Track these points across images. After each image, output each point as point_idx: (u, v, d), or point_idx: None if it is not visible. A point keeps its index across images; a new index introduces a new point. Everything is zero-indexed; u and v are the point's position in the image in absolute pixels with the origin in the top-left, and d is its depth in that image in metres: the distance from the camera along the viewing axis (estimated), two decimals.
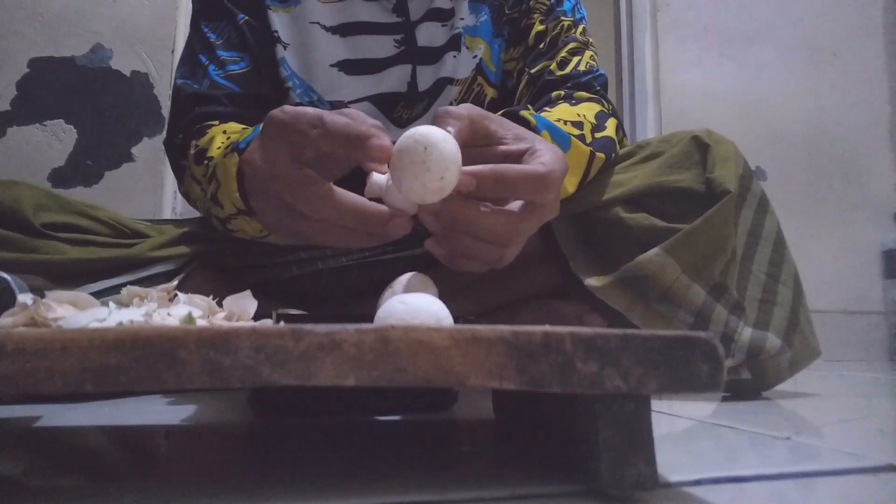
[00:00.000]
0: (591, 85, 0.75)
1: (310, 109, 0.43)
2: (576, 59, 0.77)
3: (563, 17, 0.79)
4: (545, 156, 0.45)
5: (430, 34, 0.79)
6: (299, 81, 0.77)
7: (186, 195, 0.71)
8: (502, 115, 0.59)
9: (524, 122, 0.58)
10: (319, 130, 0.41)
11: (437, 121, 0.44)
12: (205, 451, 0.45)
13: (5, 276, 0.50)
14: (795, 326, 0.70)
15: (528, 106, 0.61)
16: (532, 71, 0.78)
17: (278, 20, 0.77)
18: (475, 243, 0.43)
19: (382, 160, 0.40)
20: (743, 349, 0.66)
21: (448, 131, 0.42)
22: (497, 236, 0.43)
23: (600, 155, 0.65)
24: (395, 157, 0.39)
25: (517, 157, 0.46)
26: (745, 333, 0.66)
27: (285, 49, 0.77)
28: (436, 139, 0.38)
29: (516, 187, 0.42)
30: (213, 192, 0.59)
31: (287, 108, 0.44)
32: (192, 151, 0.65)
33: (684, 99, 1.99)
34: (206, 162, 0.61)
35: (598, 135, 0.65)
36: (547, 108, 0.67)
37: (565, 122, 0.62)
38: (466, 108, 0.46)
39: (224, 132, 0.64)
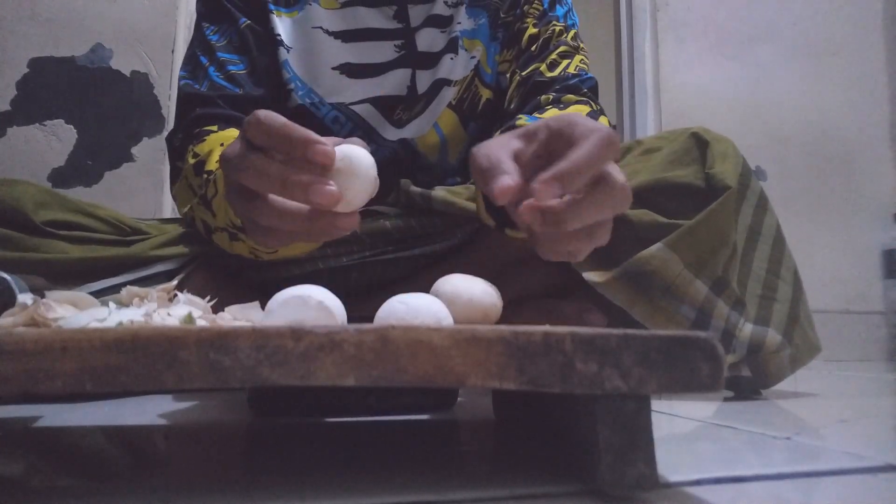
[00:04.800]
0: (578, 88, 0.75)
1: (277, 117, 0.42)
2: (565, 62, 0.78)
3: (555, 22, 0.80)
4: (587, 124, 0.41)
5: (429, 40, 0.80)
6: (301, 84, 0.78)
7: (175, 197, 0.72)
8: (503, 130, 0.59)
9: None
10: (266, 126, 0.41)
11: (488, 176, 0.41)
12: (205, 451, 0.45)
13: (5, 276, 0.50)
14: (795, 322, 0.70)
15: (520, 116, 0.61)
16: (523, 73, 0.79)
17: (281, 24, 0.78)
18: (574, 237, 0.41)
19: (329, 163, 0.40)
20: (744, 345, 0.66)
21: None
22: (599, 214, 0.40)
23: None
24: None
25: (562, 136, 0.42)
26: (746, 329, 0.67)
27: (288, 52, 0.78)
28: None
29: (595, 159, 0.38)
30: (211, 196, 0.60)
31: (260, 111, 0.43)
32: (190, 160, 0.66)
33: (684, 99, 1.98)
34: (205, 175, 0.62)
35: None
36: (537, 115, 0.67)
37: None
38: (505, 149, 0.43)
39: (222, 144, 0.64)
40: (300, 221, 0.41)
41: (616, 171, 0.41)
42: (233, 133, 0.67)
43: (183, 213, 0.71)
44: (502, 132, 0.60)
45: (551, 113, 0.68)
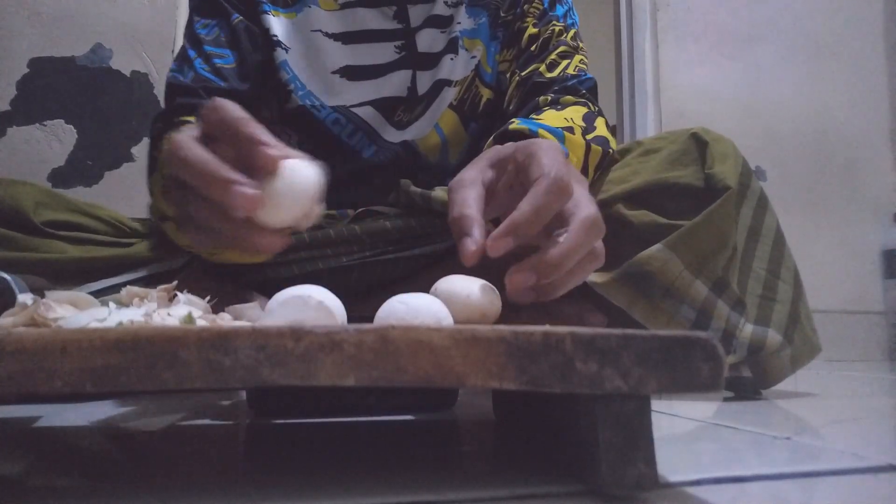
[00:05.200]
0: (576, 89, 0.75)
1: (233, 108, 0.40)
2: (565, 62, 0.78)
3: (555, 22, 0.80)
4: (542, 162, 0.43)
5: (429, 40, 0.80)
6: (301, 84, 0.78)
7: (150, 187, 0.69)
8: (497, 136, 0.60)
9: (520, 134, 0.58)
10: (220, 115, 0.39)
11: (456, 202, 0.44)
12: (205, 451, 0.45)
13: (5, 276, 0.50)
14: (796, 323, 0.70)
15: (514, 119, 0.61)
16: (522, 73, 0.79)
17: (278, 24, 0.78)
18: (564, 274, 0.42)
19: (269, 169, 0.38)
20: (744, 345, 0.66)
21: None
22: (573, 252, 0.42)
23: (596, 147, 0.65)
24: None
25: (523, 170, 0.44)
26: (747, 330, 0.67)
27: (287, 52, 0.77)
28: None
29: (544, 209, 0.41)
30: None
31: (219, 99, 0.41)
32: (165, 147, 0.65)
33: (684, 99, 1.98)
34: None
35: (589, 136, 0.65)
36: (534, 117, 0.67)
37: None
38: (472, 176, 0.46)
39: None
40: (221, 222, 0.39)
41: (583, 205, 0.42)
42: None
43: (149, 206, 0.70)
44: (494, 138, 0.60)
45: (549, 115, 0.68)
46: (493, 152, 0.48)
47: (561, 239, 0.41)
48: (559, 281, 0.42)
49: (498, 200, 0.46)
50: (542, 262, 0.40)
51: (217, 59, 0.75)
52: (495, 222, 0.43)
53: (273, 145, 0.38)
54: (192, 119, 0.67)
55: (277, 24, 0.78)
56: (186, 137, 0.40)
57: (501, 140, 0.58)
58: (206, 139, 0.40)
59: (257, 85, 0.77)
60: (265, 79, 0.80)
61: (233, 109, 0.39)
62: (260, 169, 0.38)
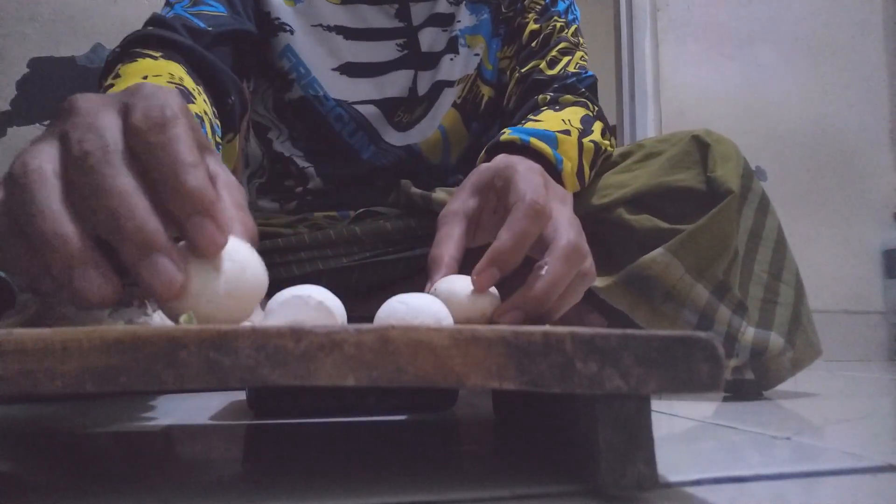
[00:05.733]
0: (576, 87, 0.75)
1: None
2: (566, 59, 0.78)
3: (556, 18, 0.80)
4: (517, 187, 0.44)
5: (431, 39, 0.80)
6: (306, 70, 0.77)
7: None
8: (488, 149, 0.59)
9: (510, 144, 0.58)
10: (154, 108, 0.27)
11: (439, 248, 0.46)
12: (205, 451, 0.45)
13: (5, 275, 0.50)
14: (798, 325, 0.70)
15: (506, 130, 0.61)
16: (522, 70, 0.78)
17: (281, 10, 0.76)
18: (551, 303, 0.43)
19: (211, 252, 0.27)
20: (746, 349, 0.66)
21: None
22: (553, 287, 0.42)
23: (588, 144, 0.65)
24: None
25: (502, 196, 0.46)
26: (749, 333, 0.66)
27: (292, 35, 0.76)
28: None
29: (523, 236, 0.41)
30: None
31: (149, 84, 0.29)
32: (110, 81, 0.54)
33: (684, 99, 1.98)
34: None
35: (585, 139, 0.65)
36: (532, 118, 0.67)
37: None
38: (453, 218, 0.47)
39: (145, 77, 0.51)
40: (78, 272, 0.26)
41: (562, 232, 0.43)
42: (172, 67, 0.56)
43: None
44: (486, 151, 0.60)
45: (547, 116, 0.67)
46: (475, 177, 0.48)
47: (542, 272, 0.41)
48: (552, 309, 0.42)
49: (484, 227, 0.48)
50: (528, 298, 0.40)
51: (203, 7, 0.69)
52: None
53: (218, 214, 0.26)
54: (155, 54, 0.59)
55: (280, 10, 0.76)
56: (114, 141, 0.26)
57: (494, 152, 0.58)
58: (126, 145, 0.27)
59: (245, 50, 0.73)
60: (263, 68, 0.79)
61: (172, 102, 0.27)
62: (186, 237, 0.27)
